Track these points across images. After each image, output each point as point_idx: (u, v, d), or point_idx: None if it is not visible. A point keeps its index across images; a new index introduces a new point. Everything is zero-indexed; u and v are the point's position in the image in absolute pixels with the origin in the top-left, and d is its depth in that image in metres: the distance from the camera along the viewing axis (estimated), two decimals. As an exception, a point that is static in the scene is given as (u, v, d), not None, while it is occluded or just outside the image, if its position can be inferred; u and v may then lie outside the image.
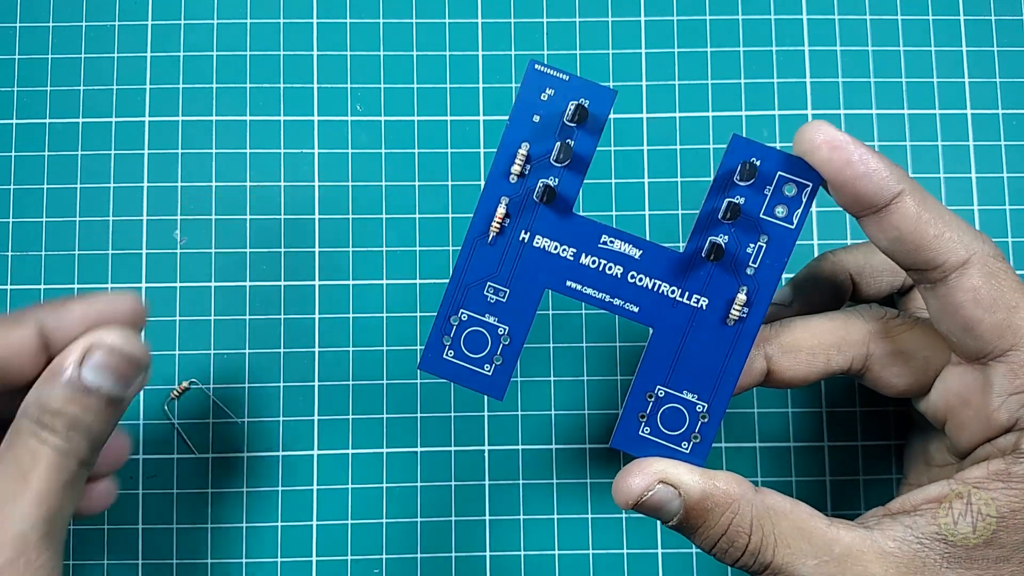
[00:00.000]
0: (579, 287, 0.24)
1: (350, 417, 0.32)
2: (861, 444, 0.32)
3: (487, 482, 0.32)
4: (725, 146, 0.34)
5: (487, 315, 0.24)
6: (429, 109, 0.33)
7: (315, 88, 0.33)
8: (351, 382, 0.32)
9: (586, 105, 0.22)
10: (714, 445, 0.31)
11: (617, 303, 0.24)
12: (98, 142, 0.33)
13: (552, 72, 0.22)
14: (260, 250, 0.32)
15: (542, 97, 0.22)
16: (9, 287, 0.32)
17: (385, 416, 0.32)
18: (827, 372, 0.25)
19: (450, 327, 0.24)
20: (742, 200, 0.23)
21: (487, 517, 0.31)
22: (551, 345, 0.32)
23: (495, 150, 0.24)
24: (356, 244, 0.32)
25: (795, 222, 0.23)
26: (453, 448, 0.32)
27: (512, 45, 0.33)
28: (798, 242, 0.32)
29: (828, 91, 0.33)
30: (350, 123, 0.33)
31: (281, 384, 0.32)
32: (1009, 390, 0.22)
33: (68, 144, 0.33)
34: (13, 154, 0.32)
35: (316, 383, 0.32)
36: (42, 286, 0.32)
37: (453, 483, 0.32)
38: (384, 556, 0.31)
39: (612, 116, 0.33)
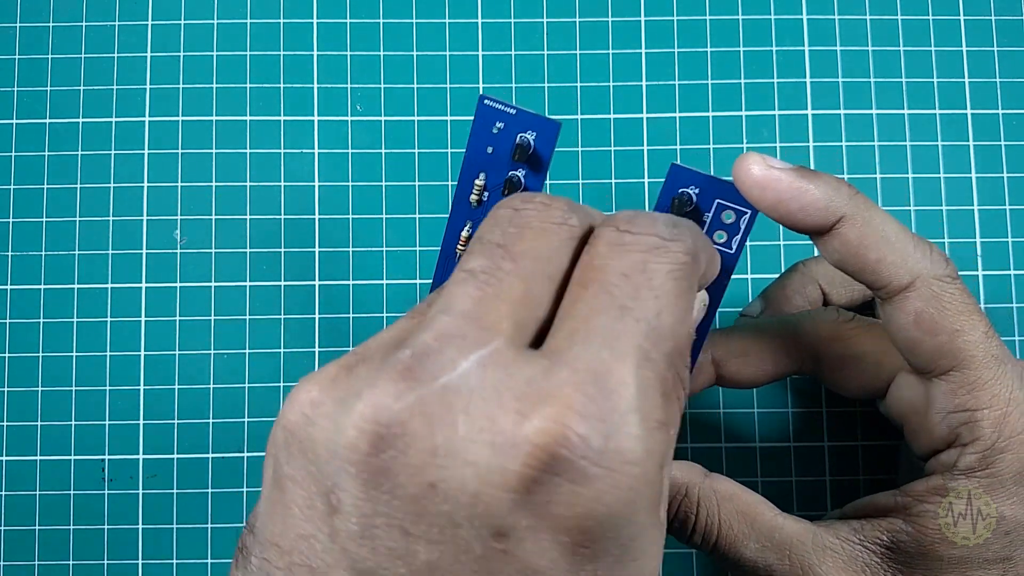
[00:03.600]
0: None
1: (350, 417, 0.32)
2: (861, 444, 0.32)
3: (487, 482, 0.32)
4: (725, 147, 0.34)
5: None
6: (429, 109, 0.33)
7: (315, 88, 0.33)
8: (351, 382, 0.32)
9: (531, 139, 0.23)
10: (714, 445, 0.31)
11: None
12: (98, 142, 0.33)
13: (500, 106, 0.23)
14: (260, 250, 0.32)
15: (493, 130, 0.23)
16: (9, 287, 0.32)
17: (385, 416, 0.32)
18: (777, 374, 0.26)
19: None
20: None
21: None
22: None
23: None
24: (356, 244, 0.32)
25: (734, 248, 0.23)
26: (453, 448, 0.32)
27: (512, 45, 0.33)
28: (795, 242, 0.32)
29: (828, 91, 0.33)
30: (350, 123, 0.33)
31: (281, 384, 0.32)
32: (948, 408, 0.23)
33: (68, 144, 0.33)
34: (13, 154, 0.32)
35: (316, 383, 0.32)
36: (42, 286, 0.32)
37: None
38: (384, 556, 0.31)
39: (612, 116, 0.33)
